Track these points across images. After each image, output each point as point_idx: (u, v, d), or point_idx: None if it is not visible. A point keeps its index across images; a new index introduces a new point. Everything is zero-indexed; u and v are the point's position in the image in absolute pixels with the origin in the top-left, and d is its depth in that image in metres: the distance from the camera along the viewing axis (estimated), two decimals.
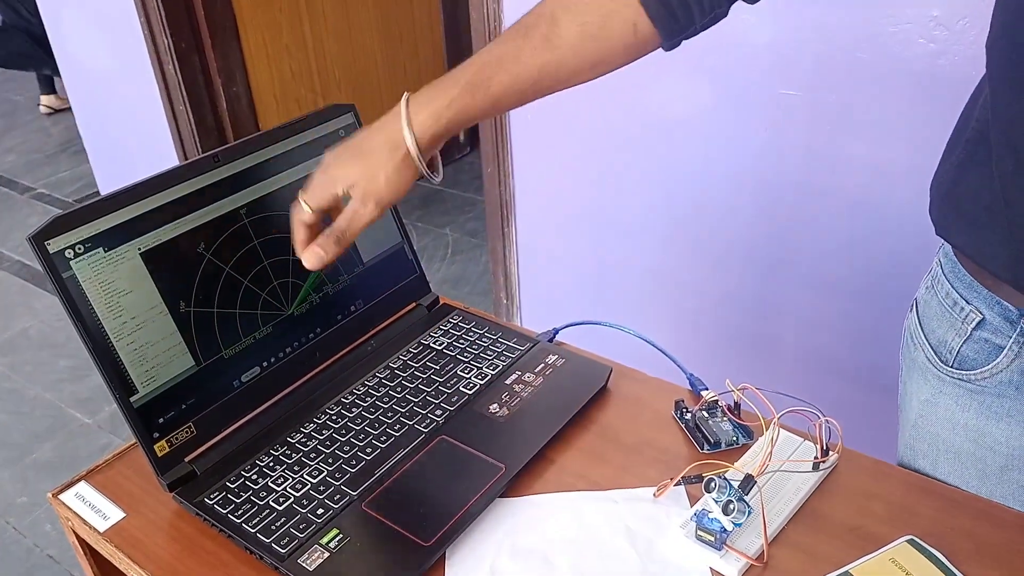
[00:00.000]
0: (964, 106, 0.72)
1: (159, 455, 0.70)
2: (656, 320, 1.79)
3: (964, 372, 0.68)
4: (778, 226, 1.55)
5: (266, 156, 0.80)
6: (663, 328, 1.79)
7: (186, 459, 0.71)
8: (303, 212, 0.68)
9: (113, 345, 0.68)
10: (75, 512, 0.71)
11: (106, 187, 3.12)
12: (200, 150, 2.65)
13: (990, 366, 0.66)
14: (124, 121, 2.81)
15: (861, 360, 1.54)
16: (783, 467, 0.69)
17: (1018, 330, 0.64)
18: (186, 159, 2.69)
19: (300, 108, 2.97)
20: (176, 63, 2.51)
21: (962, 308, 0.68)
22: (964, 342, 0.68)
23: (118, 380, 0.68)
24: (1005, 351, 0.65)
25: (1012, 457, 0.68)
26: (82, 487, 0.73)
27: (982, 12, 1.09)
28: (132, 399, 0.68)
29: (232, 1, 2.65)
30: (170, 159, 2.70)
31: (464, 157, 3.58)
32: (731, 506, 0.59)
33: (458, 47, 3.38)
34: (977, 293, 0.67)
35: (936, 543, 0.61)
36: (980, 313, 0.67)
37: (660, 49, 0.69)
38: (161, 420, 0.70)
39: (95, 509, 0.71)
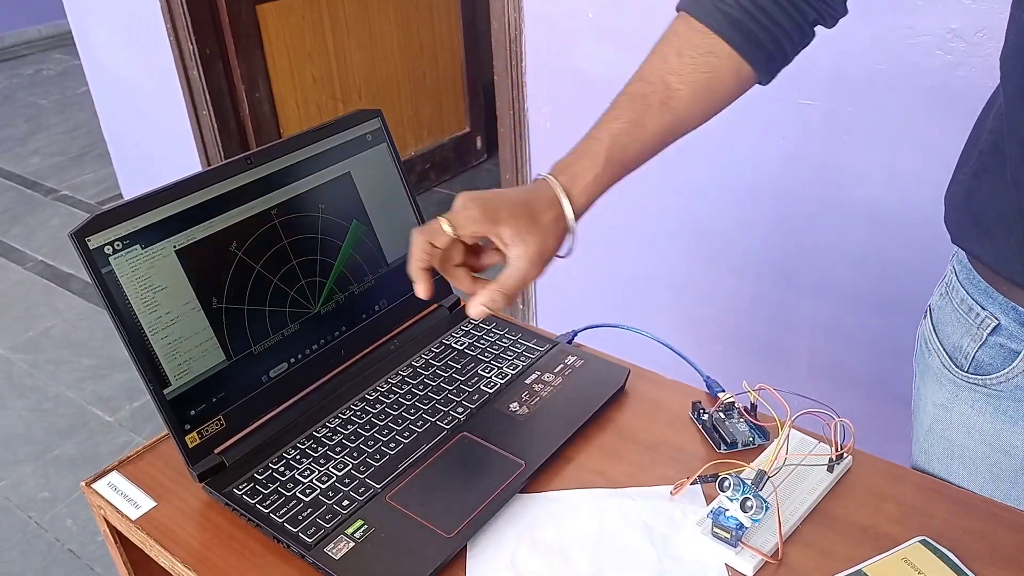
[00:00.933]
0: (977, 117, 0.73)
1: (190, 446, 0.72)
2: (671, 328, 1.80)
3: (980, 377, 0.70)
4: (794, 236, 1.56)
5: (296, 159, 0.82)
6: (677, 336, 1.80)
7: (216, 451, 0.74)
8: (442, 234, 0.67)
9: (148, 339, 0.70)
10: (107, 500, 0.73)
11: (129, 190, 3.17)
12: (223, 155, 2.70)
13: (1006, 371, 0.68)
14: (148, 125, 2.85)
15: (874, 369, 1.55)
16: (798, 468, 0.70)
17: None
18: (208, 164, 2.73)
19: (321, 114, 3.01)
20: (201, 69, 2.55)
21: (977, 314, 0.69)
22: (980, 347, 0.69)
23: (152, 373, 0.70)
24: (1021, 356, 0.67)
25: None
26: (114, 477, 0.75)
27: (999, 24, 1.10)
28: (166, 391, 0.71)
29: (256, 8, 2.69)
30: (192, 163, 2.74)
31: (482, 164, 3.62)
32: (748, 503, 0.61)
33: (477, 55, 3.41)
34: (992, 299, 0.68)
35: (949, 544, 0.62)
36: (996, 319, 0.68)
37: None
38: (192, 412, 0.72)
39: (127, 498, 0.73)
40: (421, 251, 0.68)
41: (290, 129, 2.92)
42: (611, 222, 1.80)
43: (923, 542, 0.63)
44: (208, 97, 2.61)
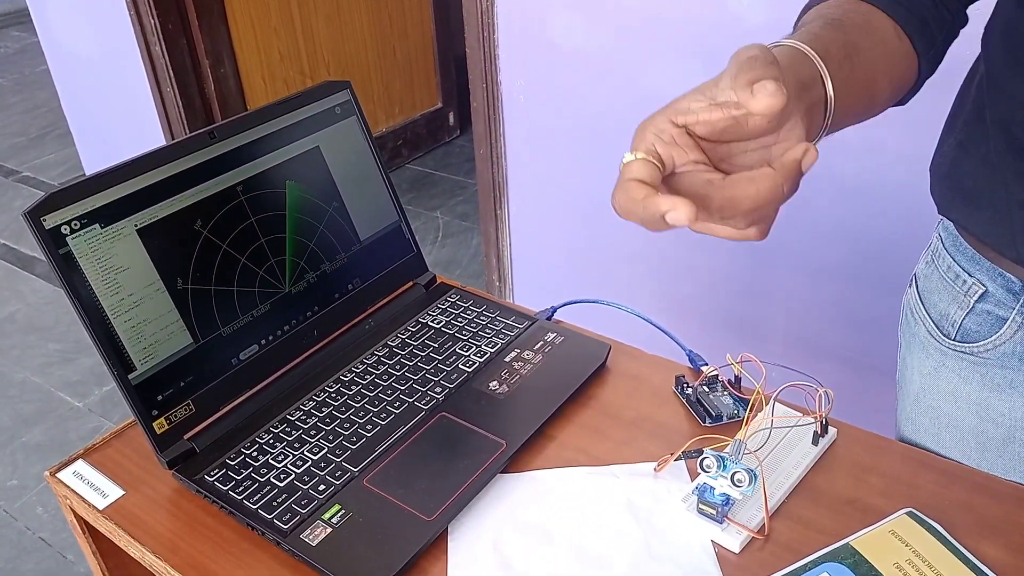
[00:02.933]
0: (960, 87, 0.72)
1: (158, 432, 0.69)
2: (648, 303, 1.79)
3: (967, 345, 0.69)
4: None
5: (262, 133, 0.79)
6: (655, 311, 1.80)
7: (185, 436, 0.71)
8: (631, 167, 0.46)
9: (111, 322, 0.67)
10: (73, 490, 0.70)
11: (91, 169, 3.09)
12: (188, 132, 2.63)
13: (993, 338, 0.67)
14: (110, 104, 2.78)
15: (850, 341, 1.55)
16: (782, 441, 0.69)
17: (1021, 302, 0.65)
18: (173, 140, 2.66)
19: (289, 90, 2.94)
20: (163, 45, 2.48)
21: (964, 281, 0.69)
22: (967, 315, 0.68)
23: (116, 357, 0.67)
24: (1008, 323, 0.66)
25: (1014, 429, 0.68)
26: (80, 465, 0.73)
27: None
28: (131, 376, 0.68)
29: None
30: (157, 141, 2.67)
31: (454, 140, 3.57)
32: (738, 476, 0.60)
33: (447, 29, 3.36)
34: (979, 266, 0.67)
35: (935, 516, 0.62)
36: (983, 285, 0.67)
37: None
38: (160, 397, 0.70)
39: (93, 487, 0.70)
40: (626, 202, 0.45)
41: (257, 105, 2.84)
42: (587, 196, 1.78)
43: (909, 514, 0.62)
44: (172, 74, 2.54)
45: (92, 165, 3.07)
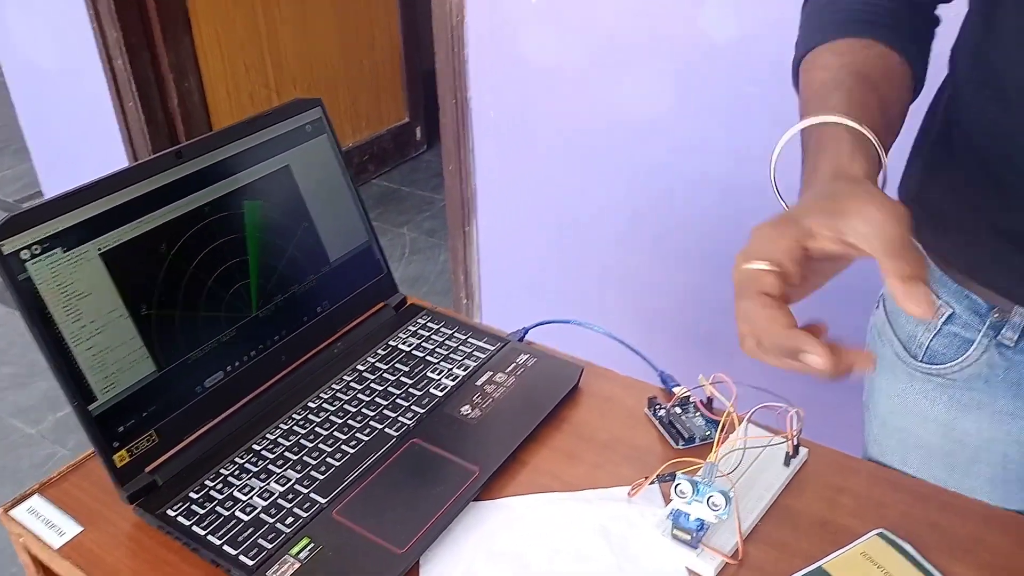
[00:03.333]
0: (927, 110, 0.73)
1: (119, 465, 0.67)
2: (618, 319, 1.79)
3: (934, 366, 0.70)
4: (739, 224, 1.56)
5: (230, 152, 0.77)
6: (625, 327, 1.80)
7: (147, 469, 0.69)
8: (767, 276, 0.46)
9: (72, 351, 0.65)
10: (27, 528, 0.67)
11: (49, 186, 3.03)
12: (150, 147, 2.59)
13: (960, 359, 0.68)
14: (69, 118, 2.72)
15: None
16: (755, 463, 0.69)
17: (987, 324, 0.66)
18: (135, 157, 2.62)
19: (254, 103, 2.91)
20: (126, 58, 2.44)
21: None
22: (934, 336, 0.69)
23: (77, 387, 0.65)
24: (975, 344, 0.67)
25: (980, 449, 0.69)
26: (35, 501, 0.70)
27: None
28: (91, 407, 0.66)
29: None
30: (118, 157, 2.63)
31: (422, 155, 3.56)
32: (715, 500, 0.59)
33: (416, 44, 3.35)
34: (946, 288, 0.68)
35: (905, 536, 0.62)
36: (950, 307, 0.68)
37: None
38: (121, 428, 0.68)
39: (50, 524, 0.68)
40: (766, 322, 0.46)
41: (221, 120, 2.82)
42: (556, 213, 1.78)
43: (881, 535, 0.62)
44: (134, 87, 2.50)
45: (50, 181, 3.01)
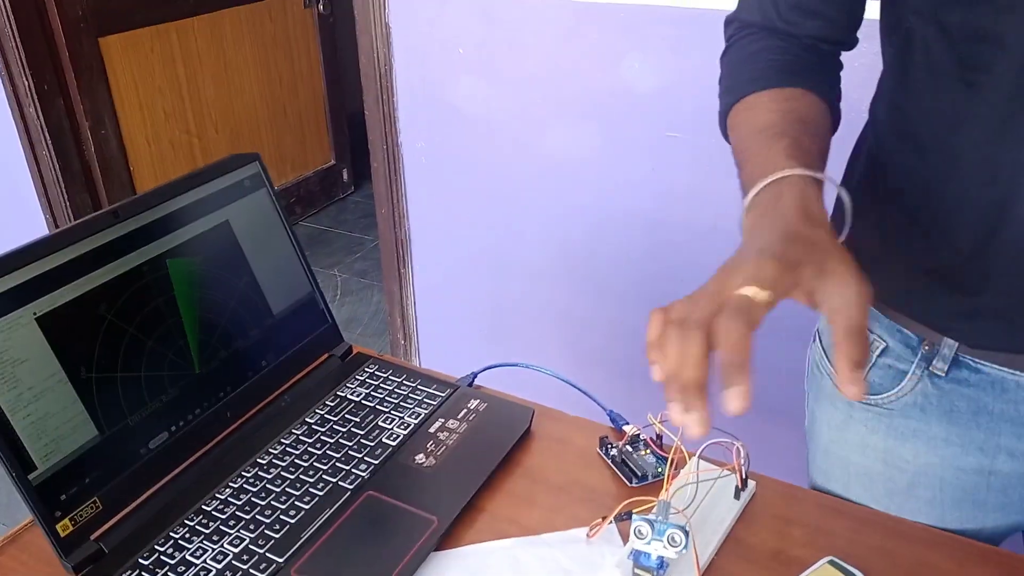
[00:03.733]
0: (849, 156, 0.78)
1: (62, 535, 0.64)
2: (556, 358, 1.81)
3: (872, 397, 0.73)
4: (667, 262, 1.61)
5: (168, 210, 0.76)
6: (561, 365, 1.83)
7: (92, 537, 0.66)
8: (760, 306, 0.47)
9: (8, 419, 0.62)
10: None
11: None
12: (65, 197, 2.50)
13: (895, 390, 0.71)
14: None
15: (757, 388, 1.61)
16: (706, 498, 0.71)
17: (919, 355, 0.70)
18: (50, 206, 2.53)
19: (174, 150, 2.86)
20: (38, 106, 2.37)
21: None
22: (870, 369, 0.73)
23: (14, 457, 0.62)
24: (908, 375, 0.71)
25: (918, 474, 0.73)
26: None
27: (857, 60, 1.19)
28: (31, 476, 0.63)
29: (99, 41, 2.53)
30: (30, 206, 2.53)
31: (349, 196, 3.55)
32: (676, 537, 0.61)
33: (339, 86, 3.36)
34: (879, 323, 0.72)
35: (854, 562, 0.64)
36: (884, 341, 0.72)
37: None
38: (63, 497, 0.65)
39: None
40: (744, 343, 0.47)
41: (142, 168, 2.75)
42: (491, 254, 1.79)
43: (831, 563, 0.65)
44: (47, 136, 2.43)
45: None
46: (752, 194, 0.55)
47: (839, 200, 0.73)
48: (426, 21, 1.64)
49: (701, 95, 1.46)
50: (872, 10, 0.70)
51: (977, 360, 0.68)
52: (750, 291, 0.48)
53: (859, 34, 0.71)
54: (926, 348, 0.69)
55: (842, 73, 0.72)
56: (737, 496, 0.71)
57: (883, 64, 0.69)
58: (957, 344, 0.68)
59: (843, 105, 0.72)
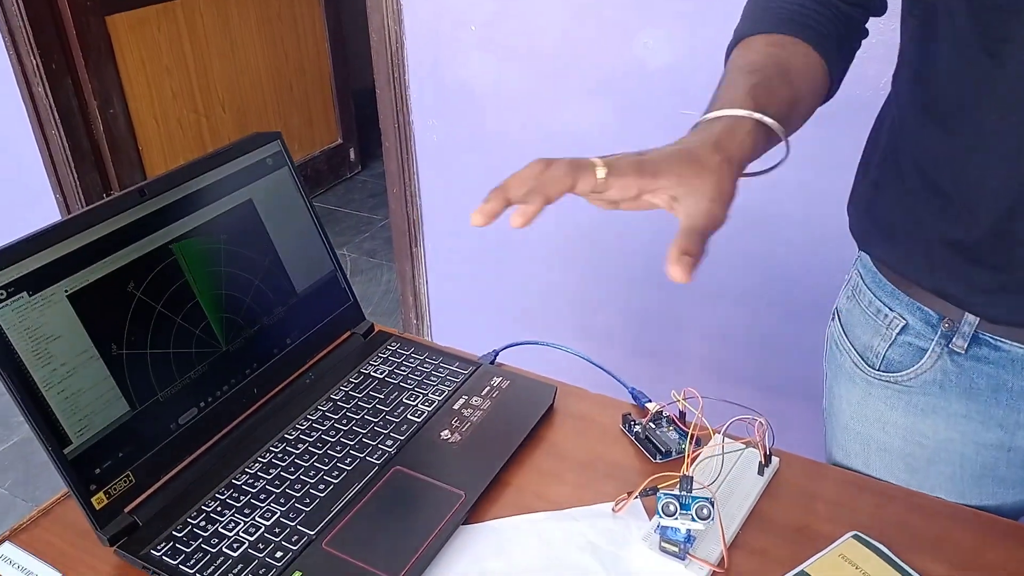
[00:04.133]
0: (871, 130, 0.78)
1: (97, 508, 0.65)
2: (565, 336, 1.82)
3: (891, 374, 0.74)
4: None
5: (193, 188, 0.77)
6: (574, 343, 1.84)
7: (126, 510, 0.67)
8: (589, 178, 0.55)
9: (43, 395, 0.63)
10: None
11: None
12: (75, 175, 2.51)
13: (915, 367, 0.72)
14: None
15: (764, 367, 1.62)
16: (731, 474, 0.72)
17: (939, 333, 0.70)
18: (60, 185, 2.53)
19: (182, 128, 2.85)
20: (47, 85, 2.36)
21: (886, 315, 0.74)
22: (889, 346, 0.73)
23: (50, 431, 0.63)
24: (928, 353, 0.71)
25: (938, 450, 0.73)
26: (7, 548, 0.68)
27: (875, 37, 1.18)
28: (66, 450, 0.64)
29: (106, 20, 2.52)
30: (40, 185, 2.53)
31: (356, 175, 3.54)
32: (704, 510, 0.62)
33: (344, 65, 3.34)
34: (899, 300, 0.73)
35: (878, 537, 0.65)
36: (903, 319, 0.72)
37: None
38: (97, 471, 0.66)
39: (25, 571, 0.65)
40: (557, 183, 0.56)
41: (149, 147, 2.75)
42: (500, 233, 1.79)
43: (855, 537, 0.66)
44: (56, 116, 2.42)
45: None
46: (697, 121, 0.61)
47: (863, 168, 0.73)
48: None
49: (715, 72, 1.46)
50: None
51: (997, 337, 0.68)
52: (599, 164, 0.56)
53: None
54: (946, 326, 0.70)
55: (862, 46, 0.72)
56: (761, 472, 0.72)
57: (903, 37, 0.68)
58: (977, 320, 0.68)
59: (860, 80, 0.72)
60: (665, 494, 0.63)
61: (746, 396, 1.71)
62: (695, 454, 0.72)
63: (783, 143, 0.61)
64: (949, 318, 0.69)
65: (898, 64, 0.71)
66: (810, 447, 0.88)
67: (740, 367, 1.65)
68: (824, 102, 0.70)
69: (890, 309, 0.73)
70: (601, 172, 0.56)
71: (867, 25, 0.72)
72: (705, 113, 0.61)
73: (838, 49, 0.69)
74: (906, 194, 0.69)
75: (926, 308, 0.71)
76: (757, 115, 0.58)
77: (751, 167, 0.59)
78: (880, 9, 0.71)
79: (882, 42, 0.76)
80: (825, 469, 0.74)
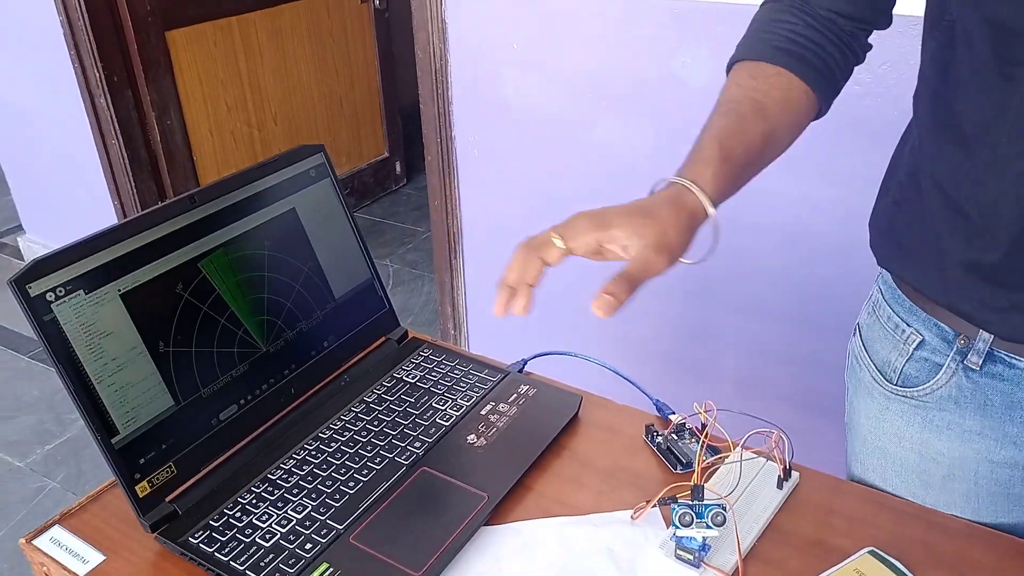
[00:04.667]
0: (895, 149, 0.79)
1: (141, 496, 0.69)
2: (601, 348, 1.83)
3: (908, 389, 0.75)
4: (716, 258, 1.62)
5: (240, 197, 0.81)
6: (608, 355, 1.85)
7: (167, 499, 0.71)
8: (553, 248, 0.65)
9: (95, 387, 0.67)
10: (52, 557, 0.69)
11: (29, 220, 3.02)
12: (132, 184, 2.60)
13: (931, 383, 0.73)
14: (50, 154, 2.73)
15: (795, 383, 1.62)
16: (750, 486, 0.73)
17: (955, 349, 0.71)
18: (118, 192, 2.63)
19: (235, 141, 2.94)
20: (108, 96, 2.47)
21: (903, 331, 0.75)
22: (907, 362, 0.74)
23: (100, 422, 0.67)
24: (944, 368, 0.72)
25: (953, 467, 0.74)
26: (57, 531, 0.72)
27: (901, 57, 1.19)
28: (114, 440, 0.68)
29: (166, 35, 2.62)
30: (100, 192, 2.64)
31: (401, 188, 3.61)
32: (718, 517, 0.63)
33: (393, 80, 3.42)
34: (917, 316, 0.74)
35: (894, 553, 0.66)
36: (920, 335, 0.73)
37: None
38: (142, 461, 0.70)
39: (73, 553, 0.70)
40: (531, 268, 0.65)
41: (203, 157, 2.85)
42: None
43: (871, 552, 0.66)
44: (116, 125, 2.53)
45: (29, 216, 3.01)
46: (663, 181, 0.69)
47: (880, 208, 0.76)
48: (481, 17, 1.67)
49: None
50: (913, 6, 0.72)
51: (1012, 355, 0.69)
52: (553, 235, 0.65)
53: (898, 32, 0.73)
54: (961, 342, 0.70)
55: (883, 69, 0.74)
56: (780, 485, 0.73)
57: (923, 58, 0.70)
58: (992, 338, 0.69)
59: (896, 102, 0.73)
60: (680, 504, 0.65)
61: (782, 412, 1.71)
62: (707, 464, 0.73)
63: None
64: (964, 335, 0.70)
65: (918, 85, 0.72)
66: (839, 466, 0.89)
67: (777, 383, 1.64)
68: (814, 120, 0.75)
69: (908, 325, 0.74)
70: (559, 242, 0.65)
71: (898, 47, 0.74)
72: (677, 171, 0.69)
73: (831, 73, 0.73)
74: (925, 213, 0.70)
75: (942, 324, 0.71)
76: (697, 191, 0.66)
77: (686, 257, 0.68)
78: (884, 24, 0.73)
79: (911, 65, 0.78)
80: (845, 485, 0.75)
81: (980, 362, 0.70)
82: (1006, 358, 0.69)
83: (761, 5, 0.77)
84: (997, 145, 0.62)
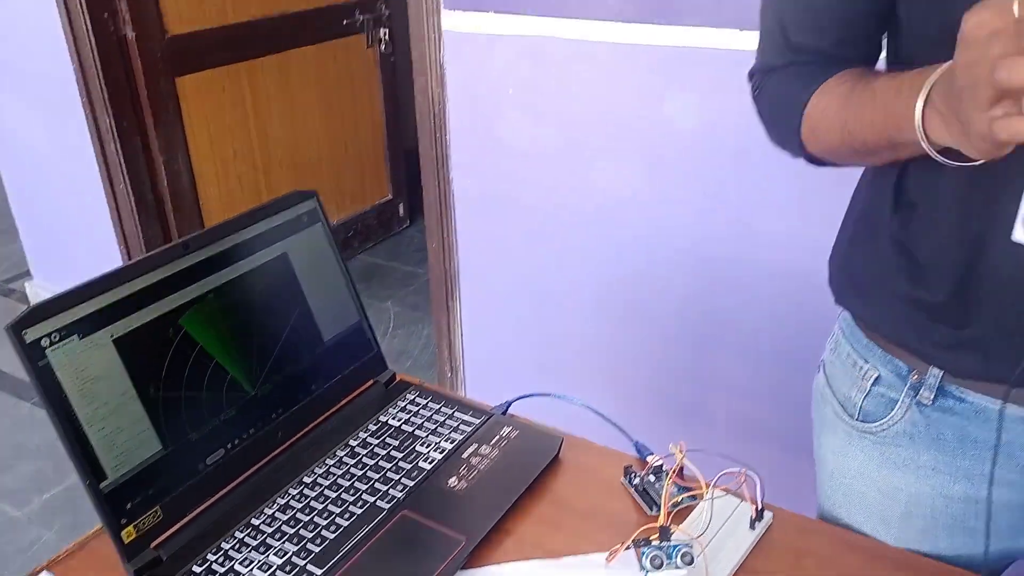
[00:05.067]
0: (855, 188, 0.82)
1: (126, 541, 0.71)
2: (596, 390, 1.85)
3: (867, 424, 0.77)
4: (708, 298, 1.65)
5: (232, 242, 0.84)
6: (604, 397, 1.86)
7: (152, 545, 0.73)
8: None
9: (85, 432, 0.70)
10: None
11: (38, 266, 3.07)
12: (139, 228, 2.65)
13: (887, 418, 0.75)
14: (60, 199, 2.79)
15: (785, 423, 1.63)
16: (722, 528, 0.74)
17: (908, 385, 0.74)
18: (124, 237, 2.68)
19: (241, 185, 3.00)
20: (118, 142, 2.52)
21: (861, 367, 0.77)
22: (865, 397, 0.77)
23: (89, 466, 0.70)
24: (898, 404, 0.74)
25: (911, 503, 0.76)
26: None
27: None
28: (102, 485, 0.70)
29: (176, 81, 2.69)
30: (107, 237, 2.69)
31: (405, 230, 3.65)
32: (686, 556, 0.64)
33: (397, 123, 3.48)
34: (872, 353, 0.76)
35: None
36: (877, 370, 0.76)
37: None
38: (129, 505, 0.72)
39: None
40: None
41: (210, 201, 2.90)
42: (537, 287, 1.85)
43: None
44: (125, 170, 2.58)
45: (39, 261, 3.05)
46: (923, 96, 0.56)
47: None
48: (478, 62, 1.72)
49: (741, 135, 1.51)
50: None
51: (961, 389, 0.71)
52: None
53: None
54: (914, 378, 0.73)
55: None
56: (752, 526, 0.74)
57: None
58: (942, 373, 0.71)
59: None
60: (651, 547, 0.66)
61: (750, 450, 1.72)
62: (676, 505, 0.75)
63: None
64: (916, 371, 0.72)
65: None
66: (813, 502, 0.90)
67: (770, 426, 1.65)
68: None
69: (865, 361, 0.77)
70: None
71: None
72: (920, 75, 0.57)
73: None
74: (876, 252, 0.73)
75: (897, 360, 0.74)
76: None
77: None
78: (875, 56, 0.73)
79: None
80: (817, 526, 0.76)
81: (932, 397, 0.72)
82: (956, 393, 0.71)
83: (760, 91, 0.76)
84: (938, 193, 0.65)
